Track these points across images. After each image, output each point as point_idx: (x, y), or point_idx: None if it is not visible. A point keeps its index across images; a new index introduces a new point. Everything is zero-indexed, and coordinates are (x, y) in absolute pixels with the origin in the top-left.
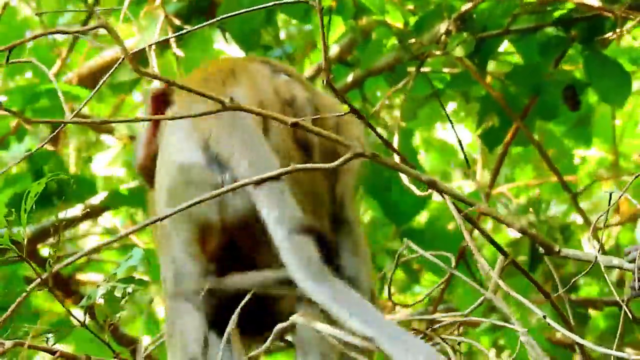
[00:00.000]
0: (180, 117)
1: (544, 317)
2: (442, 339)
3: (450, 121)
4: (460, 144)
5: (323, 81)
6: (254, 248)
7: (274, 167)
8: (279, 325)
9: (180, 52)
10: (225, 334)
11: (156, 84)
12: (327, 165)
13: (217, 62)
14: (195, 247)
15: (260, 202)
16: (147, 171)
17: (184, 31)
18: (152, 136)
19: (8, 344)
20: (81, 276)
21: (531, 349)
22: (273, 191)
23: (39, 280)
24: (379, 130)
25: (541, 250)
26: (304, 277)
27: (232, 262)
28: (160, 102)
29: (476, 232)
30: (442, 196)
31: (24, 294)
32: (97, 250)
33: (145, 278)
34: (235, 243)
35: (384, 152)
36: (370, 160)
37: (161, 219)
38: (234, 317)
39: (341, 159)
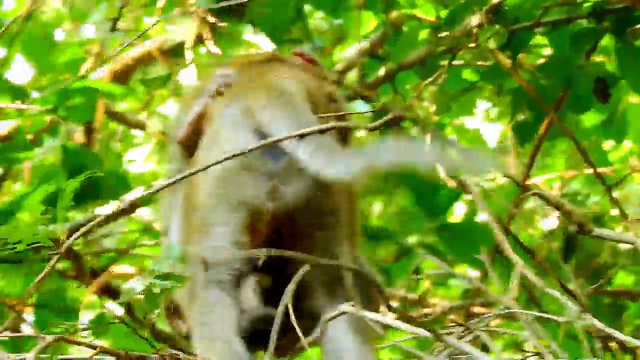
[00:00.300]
0: None
1: (581, 312)
2: (483, 330)
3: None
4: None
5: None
6: (296, 239)
7: (327, 141)
8: (325, 317)
9: (216, 49)
10: (277, 317)
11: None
12: (370, 126)
13: (256, 53)
14: (243, 236)
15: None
16: (187, 146)
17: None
18: (201, 115)
19: (49, 338)
20: (116, 269)
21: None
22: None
23: (57, 256)
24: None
25: (576, 228)
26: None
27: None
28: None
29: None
30: (471, 193)
31: (47, 269)
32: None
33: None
34: (280, 234)
35: None
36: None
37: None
38: (287, 293)
39: (384, 119)
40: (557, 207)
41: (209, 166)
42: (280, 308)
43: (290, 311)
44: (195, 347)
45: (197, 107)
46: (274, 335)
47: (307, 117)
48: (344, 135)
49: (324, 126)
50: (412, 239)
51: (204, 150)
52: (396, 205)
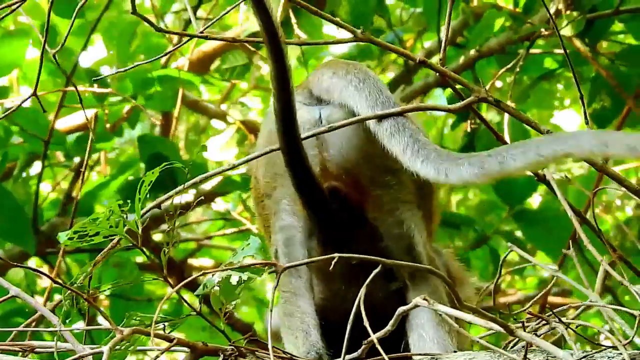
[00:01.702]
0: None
1: None
2: (560, 321)
3: (577, 81)
4: (585, 116)
5: (424, 83)
6: (360, 196)
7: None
8: (401, 309)
9: (302, 34)
10: (351, 317)
11: None
12: (452, 107)
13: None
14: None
15: (388, 138)
16: None
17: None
18: None
19: (127, 331)
20: (193, 261)
21: None
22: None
23: (120, 237)
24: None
25: None
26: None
27: (338, 217)
28: None
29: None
30: (548, 185)
31: (112, 250)
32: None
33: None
34: (339, 192)
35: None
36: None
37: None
38: (361, 294)
39: (465, 101)
40: (622, 183)
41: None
42: (353, 312)
43: (364, 314)
44: (283, 337)
45: None
46: (347, 339)
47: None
48: None
49: (407, 107)
50: (490, 228)
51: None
52: (475, 194)
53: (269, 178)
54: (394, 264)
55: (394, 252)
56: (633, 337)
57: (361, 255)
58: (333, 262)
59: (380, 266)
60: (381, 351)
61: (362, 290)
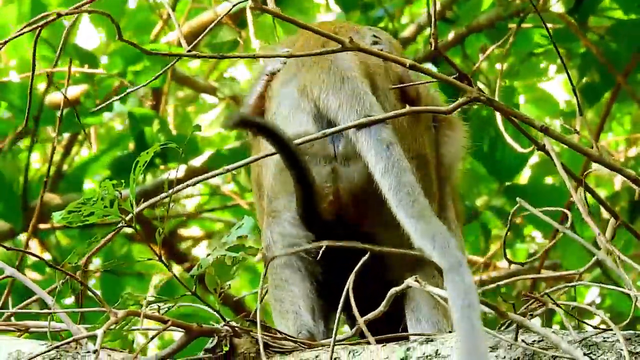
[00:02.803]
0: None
1: None
2: (555, 302)
3: (565, 66)
4: (574, 89)
5: (430, 44)
6: (363, 219)
7: (384, 127)
8: (393, 289)
9: (276, 9)
10: (342, 299)
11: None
12: (444, 108)
13: (319, 26)
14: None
15: (367, 152)
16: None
17: None
18: (264, 92)
19: (120, 313)
20: (184, 231)
21: None
22: (380, 144)
23: (123, 226)
24: (481, 86)
25: None
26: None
27: (338, 232)
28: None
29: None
30: (549, 155)
31: (112, 234)
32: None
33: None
34: (343, 215)
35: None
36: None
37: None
38: (350, 280)
39: (457, 102)
40: (620, 172)
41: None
42: (342, 298)
43: (352, 300)
44: (274, 320)
45: (258, 87)
46: (338, 317)
47: (370, 100)
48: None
49: (400, 111)
50: (480, 200)
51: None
52: (464, 168)
53: (279, 185)
54: (382, 250)
55: (395, 264)
56: (629, 319)
57: (348, 243)
58: (321, 251)
59: (368, 254)
60: (367, 333)
61: (352, 276)
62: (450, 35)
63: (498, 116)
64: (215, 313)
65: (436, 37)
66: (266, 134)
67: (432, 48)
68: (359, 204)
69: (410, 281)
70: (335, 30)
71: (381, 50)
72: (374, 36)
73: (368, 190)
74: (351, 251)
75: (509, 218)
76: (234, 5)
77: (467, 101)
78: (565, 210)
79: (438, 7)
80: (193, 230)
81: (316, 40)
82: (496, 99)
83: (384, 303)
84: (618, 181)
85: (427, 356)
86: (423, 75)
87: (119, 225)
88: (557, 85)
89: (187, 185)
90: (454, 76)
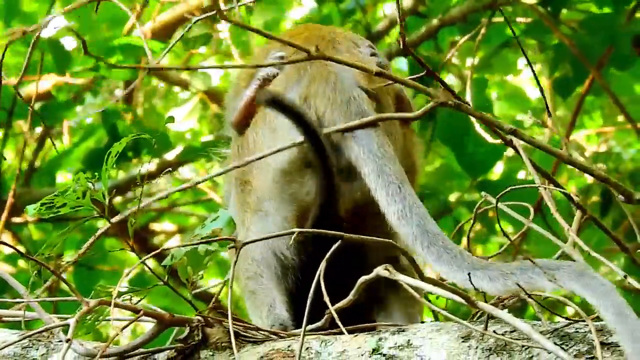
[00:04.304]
0: (272, 65)
1: (625, 276)
2: (528, 294)
3: (530, 64)
4: (541, 89)
5: (397, 40)
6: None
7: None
8: (363, 278)
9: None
10: (312, 287)
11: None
12: (412, 115)
13: (314, 29)
14: (291, 225)
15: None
16: (242, 127)
17: None
18: (253, 100)
19: (92, 302)
20: (155, 226)
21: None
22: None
23: (108, 226)
24: (453, 79)
25: (621, 198)
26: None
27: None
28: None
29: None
30: (517, 151)
31: (96, 235)
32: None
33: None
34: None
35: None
36: (451, 109)
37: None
38: (322, 267)
39: (426, 107)
40: (590, 173)
41: (269, 154)
42: (314, 283)
43: (323, 288)
44: (248, 312)
45: (249, 92)
46: (308, 307)
47: (364, 109)
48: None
49: (369, 118)
50: (453, 196)
51: (258, 134)
52: (438, 163)
53: (277, 189)
54: (360, 239)
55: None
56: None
57: (320, 230)
58: (293, 237)
59: (339, 241)
60: (338, 322)
61: (323, 264)
62: (423, 29)
63: (469, 97)
64: (188, 303)
65: (404, 36)
66: (295, 118)
67: (401, 46)
68: (360, 219)
69: (379, 270)
70: (331, 37)
71: (379, 63)
72: (371, 46)
73: (369, 207)
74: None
75: (474, 211)
76: (197, 19)
77: (435, 105)
78: (529, 206)
79: (410, 1)
80: (166, 225)
81: (315, 43)
82: (467, 92)
83: (353, 291)
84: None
85: (398, 346)
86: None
87: (91, 216)
88: (528, 81)
89: (163, 175)
90: (422, 74)
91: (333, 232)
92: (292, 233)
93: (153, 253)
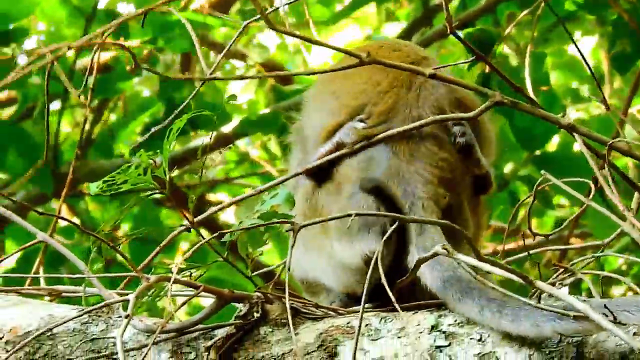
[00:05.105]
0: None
1: None
2: (583, 273)
3: (579, 49)
4: (591, 72)
5: (444, 26)
6: None
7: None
8: (422, 256)
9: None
10: (371, 266)
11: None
12: (467, 115)
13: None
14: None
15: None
16: (316, 177)
17: None
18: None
19: (153, 278)
20: (211, 196)
21: None
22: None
23: (186, 225)
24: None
25: None
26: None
27: None
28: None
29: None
30: (576, 138)
31: (173, 233)
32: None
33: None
34: None
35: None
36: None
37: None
38: (379, 249)
39: (482, 107)
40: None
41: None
42: (372, 266)
43: (382, 274)
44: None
45: (328, 146)
46: (367, 283)
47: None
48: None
49: (424, 121)
50: (507, 168)
51: (337, 188)
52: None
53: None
54: (415, 220)
55: None
56: None
57: (377, 212)
58: (350, 220)
59: (396, 223)
60: (393, 299)
61: (380, 244)
62: (482, 2)
63: (528, 84)
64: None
65: (450, 21)
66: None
67: (448, 31)
68: None
69: (438, 249)
70: (407, 57)
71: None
72: None
73: None
74: None
75: (534, 191)
76: (245, 25)
77: (490, 106)
78: (589, 182)
79: None
80: (220, 196)
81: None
82: (526, 66)
83: (411, 271)
84: None
85: (458, 323)
86: (481, 98)
87: (152, 192)
88: (586, 50)
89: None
90: (473, 59)
91: (390, 214)
92: (349, 215)
93: (217, 233)
